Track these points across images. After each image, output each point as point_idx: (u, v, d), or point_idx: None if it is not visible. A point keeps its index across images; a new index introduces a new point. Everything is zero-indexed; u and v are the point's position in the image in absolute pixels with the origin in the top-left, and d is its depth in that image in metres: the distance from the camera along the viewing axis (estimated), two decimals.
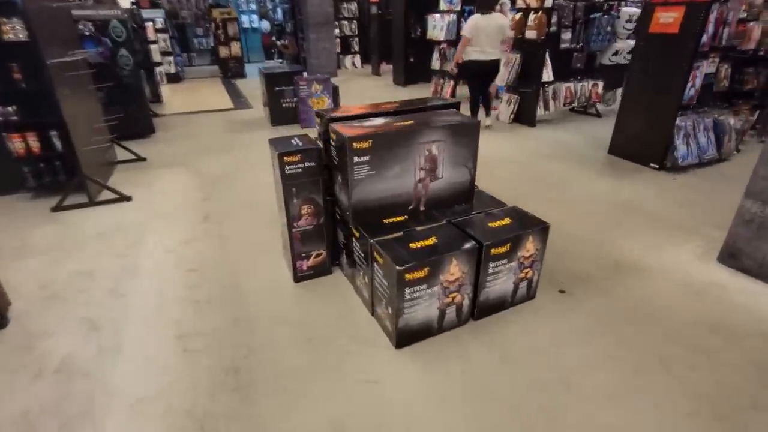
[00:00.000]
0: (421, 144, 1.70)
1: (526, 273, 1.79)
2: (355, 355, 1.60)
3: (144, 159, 3.76)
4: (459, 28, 5.98)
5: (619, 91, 5.46)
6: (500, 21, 4.20)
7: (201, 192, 3.10)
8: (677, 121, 3.26)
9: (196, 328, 1.75)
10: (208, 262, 2.22)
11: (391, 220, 1.79)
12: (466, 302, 1.69)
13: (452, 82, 5.92)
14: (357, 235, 1.76)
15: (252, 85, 7.82)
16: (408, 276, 1.48)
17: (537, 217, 1.80)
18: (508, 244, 1.65)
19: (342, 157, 1.66)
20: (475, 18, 4.18)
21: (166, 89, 7.34)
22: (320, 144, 1.91)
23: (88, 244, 2.40)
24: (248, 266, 2.19)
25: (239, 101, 6.38)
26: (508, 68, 4.68)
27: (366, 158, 1.63)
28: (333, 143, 1.75)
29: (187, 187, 3.20)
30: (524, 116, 4.80)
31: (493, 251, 1.63)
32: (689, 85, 3.17)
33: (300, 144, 1.84)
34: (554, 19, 4.39)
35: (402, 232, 1.68)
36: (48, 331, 1.74)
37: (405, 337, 1.62)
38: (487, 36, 4.17)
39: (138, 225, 2.62)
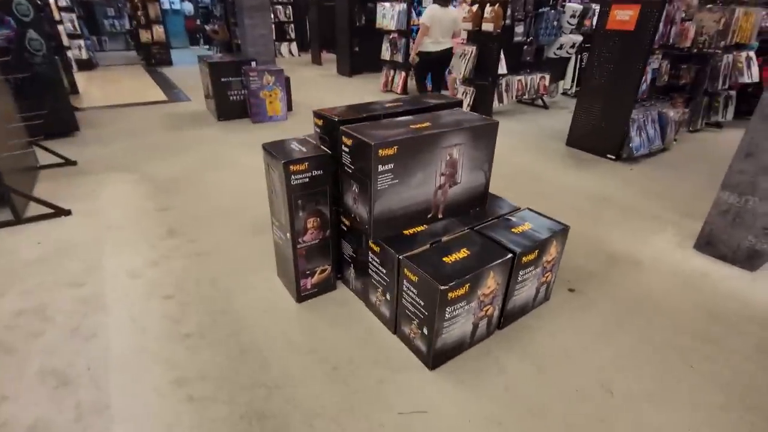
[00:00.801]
0: (444, 149, 1.59)
1: (547, 277, 1.77)
2: (390, 383, 1.47)
3: (74, 163, 3.22)
4: (409, 17, 5.89)
5: (561, 83, 5.76)
6: (454, 14, 4.48)
7: (156, 201, 2.71)
8: (632, 114, 3.47)
9: (197, 368, 1.50)
10: (186, 286, 1.93)
11: (411, 231, 1.66)
12: (496, 313, 1.62)
13: (403, 74, 5.84)
14: (377, 249, 1.61)
15: (182, 74, 7.13)
16: (451, 295, 1.37)
17: (554, 219, 1.78)
18: (536, 251, 1.61)
19: (362, 166, 1.49)
20: (434, 8, 4.29)
21: (80, 78, 6.43)
22: (325, 149, 1.72)
23: (27, 273, 1.98)
24: (238, 288, 1.93)
25: (173, 92, 5.76)
26: (464, 60, 4.69)
27: (390, 166, 1.48)
28: (347, 150, 1.57)
29: (137, 196, 2.78)
30: (481, 109, 4.85)
31: (524, 259, 1.58)
32: (643, 79, 3.37)
33: (304, 150, 1.63)
34: (508, 12, 4.47)
35: (429, 245, 1.57)
36: (2, 394, 1.39)
37: (440, 358, 1.51)
38: (441, 27, 4.38)
39: (87, 245, 2.21)
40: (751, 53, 4.29)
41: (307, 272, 1.80)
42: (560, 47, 5.20)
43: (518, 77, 4.95)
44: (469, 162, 1.70)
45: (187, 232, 2.36)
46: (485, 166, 1.76)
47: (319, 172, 1.62)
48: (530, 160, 3.59)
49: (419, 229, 1.67)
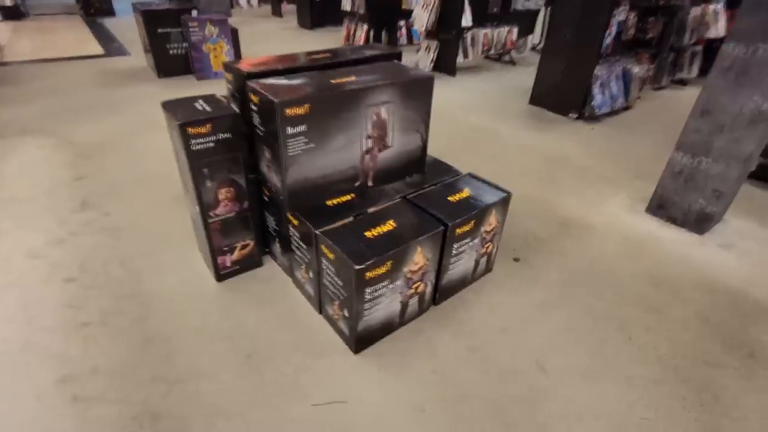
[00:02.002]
0: (369, 107, 1.39)
1: (487, 247, 1.64)
2: (308, 370, 1.34)
3: None
4: None
5: (530, 38, 5.50)
6: None
7: (73, 169, 2.43)
8: (595, 71, 3.30)
9: (89, 363, 1.33)
10: (93, 267, 1.72)
11: (335, 201, 1.48)
12: (429, 289, 1.50)
13: (366, 27, 5.45)
14: (296, 222, 1.43)
15: (126, 24, 6.48)
16: (368, 275, 1.22)
17: (496, 185, 1.63)
18: (472, 222, 1.47)
19: (270, 128, 1.29)
20: None
21: (4, 28, 5.77)
22: (235, 108, 1.49)
23: None
24: (152, 266, 1.74)
25: (112, 46, 5.22)
26: (427, 11, 4.37)
27: (302, 128, 1.28)
28: (255, 108, 1.36)
29: (52, 163, 2.48)
30: (444, 64, 4.59)
31: (458, 231, 1.43)
32: (607, 33, 3.18)
33: (208, 109, 1.40)
34: None
35: (352, 217, 1.40)
36: None
37: (365, 341, 1.39)
38: None
39: None
40: (719, 6, 4.13)
41: (225, 248, 1.62)
42: None
43: (484, 30, 4.67)
44: (402, 123, 1.51)
45: (103, 204, 2.11)
46: (421, 127, 1.58)
47: (226, 135, 1.40)
48: (489, 120, 3.41)
49: (345, 198, 1.50)
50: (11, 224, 1.95)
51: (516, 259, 1.87)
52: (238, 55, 4.35)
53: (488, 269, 1.76)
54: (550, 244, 1.97)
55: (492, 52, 4.89)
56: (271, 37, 6.26)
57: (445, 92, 4.08)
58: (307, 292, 1.56)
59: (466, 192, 1.56)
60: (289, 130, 1.25)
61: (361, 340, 1.37)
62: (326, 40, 6.12)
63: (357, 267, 1.18)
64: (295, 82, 1.35)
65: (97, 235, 1.90)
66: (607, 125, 3.42)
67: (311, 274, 1.47)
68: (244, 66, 1.46)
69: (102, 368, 1.32)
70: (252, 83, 1.34)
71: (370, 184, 1.56)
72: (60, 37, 5.61)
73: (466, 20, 4.33)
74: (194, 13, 3.94)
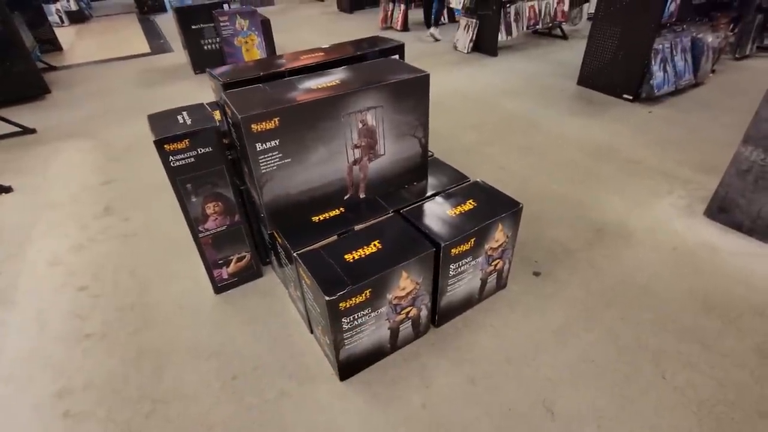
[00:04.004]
0: (351, 114, 1.25)
1: (496, 264, 1.46)
2: (292, 396, 1.27)
3: (33, 131, 3.07)
4: None
5: (585, 6, 4.95)
6: None
7: (103, 173, 2.53)
8: (655, 44, 2.87)
9: (84, 377, 1.36)
10: (105, 275, 1.77)
11: (322, 216, 1.38)
12: (425, 312, 1.36)
13: (403, 7, 5.19)
14: (279, 240, 1.35)
15: (173, 21, 6.72)
16: (343, 305, 1.11)
17: (506, 196, 1.44)
18: (471, 240, 1.30)
19: (241, 144, 1.20)
20: None
21: (69, 32, 6.20)
22: (221, 117, 1.42)
23: None
24: (158, 276, 1.76)
25: (158, 43, 5.44)
26: None
27: (274, 143, 1.18)
28: (229, 122, 1.27)
29: (85, 167, 2.61)
30: (484, 44, 4.26)
31: (454, 251, 1.27)
32: None
33: (189, 122, 1.34)
34: None
35: (336, 235, 1.29)
36: None
37: (350, 368, 1.29)
38: None
39: (19, 227, 2.09)
40: None
41: (220, 261, 1.59)
42: None
43: (530, 3, 4.25)
44: (394, 128, 1.36)
45: (124, 209, 2.18)
46: (419, 131, 1.41)
47: (206, 149, 1.34)
48: (529, 106, 3.10)
49: (333, 213, 1.39)
50: (42, 230, 2.07)
51: (536, 273, 1.66)
52: (270, 46, 4.32)
53: (501, 286, 1.58)
54: (580, 254, 1.74)
55: (540, 26, 4.45)
56: (309, 23, 6.19)
57: (484, 75, 3.78)
58: (299, 309, 1.49)
59: (470, 204, 1.39)
60: (259, 147, 1.16)
61: (345, 368, 1.28)
62: (364, 22, 5.94)
63: (328, 298, 1.08)
64: (272, 90, 1.25)
65: (113, 242, 1.96)
66: (669, 107, 2.97)
67: (299, 293, 1.39)
68: (224, 73, 1.38)
69: (95, 383, 1.34)
70: (227, 94, 1.25)
71: (362, 195, 1.43)
72: (114, 38, 5.93)
73: None
74: (225, 7, 3.94)
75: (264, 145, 1.16)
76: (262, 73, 1.37)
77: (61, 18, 6.49)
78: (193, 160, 1.34)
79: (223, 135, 1.38)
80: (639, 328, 1.43)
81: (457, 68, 3.98)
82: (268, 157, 1.19)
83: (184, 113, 1.41)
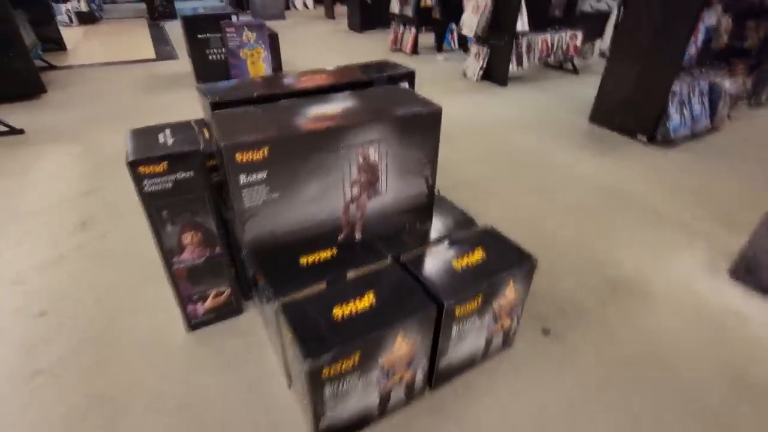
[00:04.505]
0: (351, 147, 1.11)
1: (503, 324, 1.30)
2: None
3: (21, 131, 2.93)
4: None
5: (598, 43, 4.91)
6: None
7: (86, 181, 2.38)
8: (673, 86, 2.77)
9: (25, 428, 1.18)
10: (69, 299, 1.60)
11: (312, 258, 1.22)
12: (420, 375, 1.19)
13: (414, 31, 5.15)
14: (261, 281, 1.19)
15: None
16: (326, 371, 0.95)
17: (518, 246, 1.28)
18: (479, 298, 1.14)
19: (224, 172, 1.05)
20: None
21: (76, 32, 6.14)
22: (209, 137, 1.28)
23: None
24: (127, 304, 1.59)
25: (164, 50, 5.36)
26: (477, 14, 3.99)
27: (261, 175, 1.03)
28: (215, 146, 1.13)
29: (68, 174, 2.46)
30: (494, 73, 4.18)
31: (459, 311, 1.12)
32: (691, 41, 2.64)
33: (170, 142, 1.20)
34: None
35: (325, 283, 1.13)
36: None
37: None
38: None
39: None
40: None
41: (195, 296, 1.42)
42: None
43: (543, 36, 4.19)
44: (399, 165, 1.21)
45: (102, 224, 2.02)
46: (426, 169, 1.27)
47: (187, 174, 1.19)
48: (539, 140, 2.99)
49: (323, 255, 1.23)
50: (12, 242, 1.90)
51: (545, 332, 1.50)
52: (276, 60, 4.23)
53: (507, 344, 1.41)
54: (594, 313, 1.58)
55: (551, 59, 4.39)
56: (318, 40, 6.15)
57: (492, 105, 3.68)
58: (279, 357, 1.32)
59: (478, 254, 1.23)
60: (243, 179, 1.01)
61: None
62: (373, 43, 5.90)
63: (308, 367, 0.91)
64: (264, 115, 1.11)
65: (85, 261, 1.79)
66: (686, 152, 2.86)
67: (280, 342, 1.22)
68: (215, 90, 1.24)
69: None
70: (216, 115, 1.11)
71: (357, 236, 1.28)
72: (121, 41, 5.87)
73: (522, 25, 3.89)
74: (233, 18, 3.86)
75: (249, 177, 1.01)
76: (256, 94, 1.23)
77: (70, 18, 6.45)
78: (170, 185, 1.19)
79: (210, 156, 1.24)
80: (659, 409, 1.26)
81: (466, 96, 3.89)
82: (253, 190, 1.04)
83: (167, 131, 1.26)
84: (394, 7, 5.29)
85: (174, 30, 6.59)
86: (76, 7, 6.52)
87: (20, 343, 1.43)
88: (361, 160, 1.14)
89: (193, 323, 1.47)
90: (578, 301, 1.63)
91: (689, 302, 1.63)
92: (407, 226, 1.35)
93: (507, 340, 1.40)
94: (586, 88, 3.98)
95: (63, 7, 6.25)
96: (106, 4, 8.30)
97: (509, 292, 1.22)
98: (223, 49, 3.90)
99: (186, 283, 1.38)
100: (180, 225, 1.26)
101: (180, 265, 1.33)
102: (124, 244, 1.89)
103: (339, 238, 1.25)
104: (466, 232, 1.35)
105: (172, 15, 7.37)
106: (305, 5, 8.89)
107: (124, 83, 4.08)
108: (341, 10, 7.90)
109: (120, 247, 1.88)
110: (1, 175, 2.40)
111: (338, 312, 1.03)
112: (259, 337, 1.46)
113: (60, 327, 1.49)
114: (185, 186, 1.20)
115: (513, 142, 2.97)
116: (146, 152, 1.14)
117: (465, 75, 4.39)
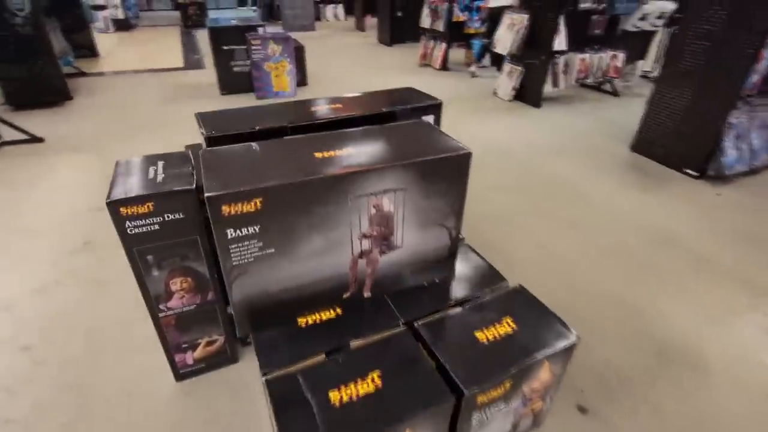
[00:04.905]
0: (362, 197, 0.94)
1: (534, 407, 1.10)
2: None
3: (41, 140, 2.91)
4: None
5: (640, 63, 4.63)
6: None
7: (95, 197, 2.30)
8: (730, 116, 2.50)
9: None
10: (56, 333, 1.49)
11: (312, 318, 1.06)
12: None
13: (444, 46, 4.99)
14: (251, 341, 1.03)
15: None
16: None
17: (557, 319, 1.08)
18: (507, 384, 0.95)
19: (210, 226, 0.90)
20: None
21: (112, 39, 6.27)
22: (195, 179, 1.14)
23: None
24: (115, 343, 1.46)
25: (192, 59, 5.39)
26: (513, 31, 3.79)
27: (253, 229, 0.87)
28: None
29: (82, 187, 2.39)
30: (528, 93, 3.97)
31: (481, 399, 0.92)
32: (754, 67, 2.38)
33: (160, 177, 1.06)
34: None
35: (324, 354, 0.96)
36: None
37: None
38: None
39: None
40: None
41: (184, 345, 1.28)
42: (643, 17, 4.10)
43: (582, 55, 3.96)
44: (417, 216, 1.04)
45: (104, 246, 1.92)
46: (449, 219, 1.09)
47: (176, 215, 1.05)
48: (574, 169, 2.76)
49: (325, 316, 1.06)
50: (9, 262, 1.82)
51: (582, 409, 1.28)
52: (301, 73, 4.16)
53: (535, 425, 1.20)
54: (640, 387, 1.35)
55: (589, 80, 4.15)
56: (346, 53, 6.07)
57: (524, 127, 3.47)
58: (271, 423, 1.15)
59: (507, 325, 1.04)
60: (231, 234, 0.85)
61: None
62: (402, 57, 5.78)
63: None
64: (262, 155, 0.95)
65: (80, 288, 1.68)
66: (742, 190, 2.57)
67: (270, 415, 1.05)
68: (213, 120, 1.10)
69: None
70: (201, 154, 0.96)
71: (366, 294, 1.10)
72: (152, 49, 5.94)
73: (560, 43, 3.68)
74: (260, 30, 3.80)
75: (238, 231, 0.86)
76: (258, 127, 1.08)
77: (107, 25, 6.59)
78: (157, 227, 1.05)
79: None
80: None
81: (495, 117, 3.69)
82: (243, 246, 0.88)
83: (160, 164, 1.13)
84: (425, 22, 5.15)
85: (205, 39, 6.63)
86: (114, 14, 6.67)
87: (1, 384, 1.31)
88: (373, 210, 0.97)
89: (182, 373, 1.32)
90: (621, 370, 1.40)
91: (755, 381, 1.38)
92: (425, 283, 1.17)
93: (536, 421, 1.19)
94: (627, 113, 3.72)
95: (100, 14, 6.40)
96: (143, 11, 8.50)
97: (543, 374, 1.02)
98: (248, 61, 3.84)
99: (174, 332, 1.23)
100: (167, 270, 1.12)
101: (167, 312, 1.19)
102: (123, 271, 1.76)
103: (344, 296, 1.08)
104: (493, 294, 1.15)
105: (204, 24, 7.45)
106: (336, 17, 8.88)
107: (148, 92, 4.07)
108: (372, 22, 7.84)
109: (118, 274, 1.76)
110: (14, 186, 2.35)
111: (335, 397, 0.85)
112: (252, 392, 1.30)
113: (41, 365, 1.37)
114: (174, 228, 1.06)
115: (546, 169, 2.75)
116: (130, 190, 1.01)
117: (496, 94, 4.19)
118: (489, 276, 1.22)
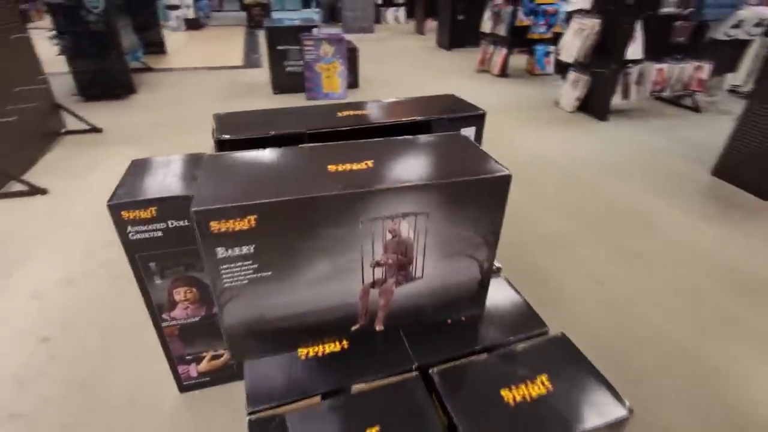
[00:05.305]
0: (376, 221, 0.80)
1: None
2: None
3: (99, 130, 3.05)
4: None
5: (729, 76, 4.12)
6: None
7: None
8: None
9: None
10: (73, 328, 1.48)
11: (313, 350, 0.93)
12: None
13: (504, 51, 4.74)
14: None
15: None
16: None
17: (603, 380, 0.88)
18: None
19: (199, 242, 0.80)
20: None
21: (181, 37, 6.61)
22: None
23: None
24: (129, 344, 1.43)
25: (252, 58, 5.53)
26: (581, 37, 3.50)
27: (246, 249, 0.76)
28: None
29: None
30: (593, 105, 3.64)
31: None
32: None
33: (168, 180, 0.99)
34: None
35: (320, 396, 0.83)
36: None
37: None
38: None
39: (27, 240, 1.92)
40: None
41: (189, 357, 1.20)
42: (737, 24, 3.63)
43: (659, 65, 3.57)
44: (442, 244, 0.88)
45: None
46: (480, 251, 0.92)
47: (180, 222, 0.97)
48: (643, 194, 2.44)
49: (329, 348, 0.94)
50: (47, 250, 1.87)
51: None
52: (353, 75, 4.10)
53: None
54: None
55: (667, 93, 3.73)
56: (402, 56, 5.97)
57: (586, 142, 3.17)
58: None
59: (541, 384, 0.85)
60: (222, 253, 0.75)
61: None
62: (459, 62, 5.58)
63: None
64: (267, 165, 0.85)
65: (106, 283, 1.69)
66: None
67: None
68: (227, 122, 1.02)
69: None
70: (203, 160, 0.87)
71: (378, 328, 0.96)
72: (217, 47, 6.18)
73: (635, 51, 3.33)
74: (314, 31, 3.78)
75: (230, 251, 0.75)
76: (272, 132, 0.98)
77: (179, 24, 6.97)
78: (160, 234, 0.98)
79: None
80: None
81: (554, 129, 3.40)
82: (235, 267, 0.77)
83: (174, 166, 1.06)
84: (486, 26, 4.93)
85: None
86: (185, 13, 7.03)
87: (15, 375, 1.31)
88: (389, 236, 0.83)
89: (185, 385, 1.26)
90: None
91: None
92: (448, 321, 1.01)
93: None
94: (709, 132, 3.30)
95: (173, 13, 6.77)
96: (215, 11, 8.93)
97: None
98: (301, 62, 3.84)
99: (177, 343, 1.16)
100: (171, 279, 1.05)
101: (171, 322, 1.12)
102: None
103: (353, 328, 0.95)
104: (529, 342, 0.97)
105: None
106: (397, 20, 8.83)
107: (206, 89, 4.20)
108: (433, 26, 7.70)
109: None
110: (68, 175, 2.46)
111: None
112: None
113: (56, 359, 1.36)
114: (178, 236, 0.98)
115: (608, 191, 2.46)
116: (134, 193, 0.94)
117: (557, 104, 3.89)
118: (526, 318, 1.03)
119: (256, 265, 0.78)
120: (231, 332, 0.85)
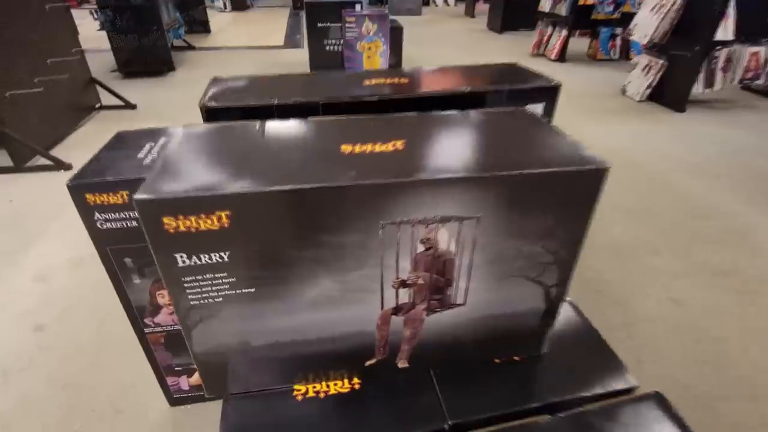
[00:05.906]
0: (401, 226, 0.56)
1: None
2: None
3: (134, 106, 2.98)
4: None
5: None
6: None
7: None
8: None
9: None
10: (72, 317, 1.35)
11: (313, 388, 0.71)
12: None
13: (564, 33, 4.30)
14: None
15: None
16: None
17: None
18: None
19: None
20: None
21: (226, 17, 6.57)
22: None
23: None
24: (124, 344, 1.26)
25: (293, 39, 5.37)
26: (659, 14, 3.04)
27: (217, 257, 0.54)
28: None
29: None
30: (668, 93, 3.18)
31: None
32: None
33: (149, 159, 0.79)
34: None
35: None
36: None
37: None
38: None
39: (42, 218, 1.83)
40: None
41: (178, 368, 1.03)
42: None
43: (755, 48, 3.05)
44: (496, 262, 0.63)
45: None
46: (549, 273, 0.66)
47: None
48: (729, 198, 2.05)
49: (337, 387, 0.71)
50: (60, 229, 1.77)
51: None
52: (396, 56, 3.83)
53: None
54: None
55: (761, 81, 3.20)
56: (450, 39, 5.61)
57: (659, 136, 2.76)
58: None
59: None
60: (183, 261, 0.54)
61: None
62: (511, 46, 5.16)
63: None
64: (261, 142, 0.62)
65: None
66: None
67: None
68: (225, 86, 0.80)
69: None
70: (181, 131, 0.66)
71: (401, 365, 0.73)
72: (259, 28, 6.07)
73: (725, 31, 2.85)
74: (357, 7, 3.53)
75: (194, 259, 0.54)
76: (276, 101, 0.76)
77: (224, 4, 6.93)
78: (135, 223, 0.78)
79: None
80: None
81: (623, 120, 3.00)
82: (204, 281, 0.56)
83: (162, 140, 0.86)
84: (545, 5, 4.49)
85: None
86: None
87: (4, 366, 1.19)
88: (421, 247, 0.59)
89: (176, 398, 1.08)
90: None
91: None
92: (497, 361, 0.76)
93: None
94: None
95: None
96: None
97: None
98: (341, 40, 3.61)
99: (164, 352, 0.98)
100: (153, 279, 0.86)
101: (155, 329, 0.94)
102: None
103: (368, 363, 0.71)
104: (609, 400, 0.70)
105: None
106: (446, 2, 8.41)
107: (243, 68, 4.07)
108: (482, 8, 7.25)
109: None
110: (92, 152, 2.37)
111: None
112: None
113: (48, 350, 1.24)
114: None
115: (686, 194, 2.08)
116: (103, 172, 0.75)
117: (625, 92, 3.45)
118: (603, 364, 0.77)
119: (233, 279, 0.56)
120: (202, 360, 0.64)
